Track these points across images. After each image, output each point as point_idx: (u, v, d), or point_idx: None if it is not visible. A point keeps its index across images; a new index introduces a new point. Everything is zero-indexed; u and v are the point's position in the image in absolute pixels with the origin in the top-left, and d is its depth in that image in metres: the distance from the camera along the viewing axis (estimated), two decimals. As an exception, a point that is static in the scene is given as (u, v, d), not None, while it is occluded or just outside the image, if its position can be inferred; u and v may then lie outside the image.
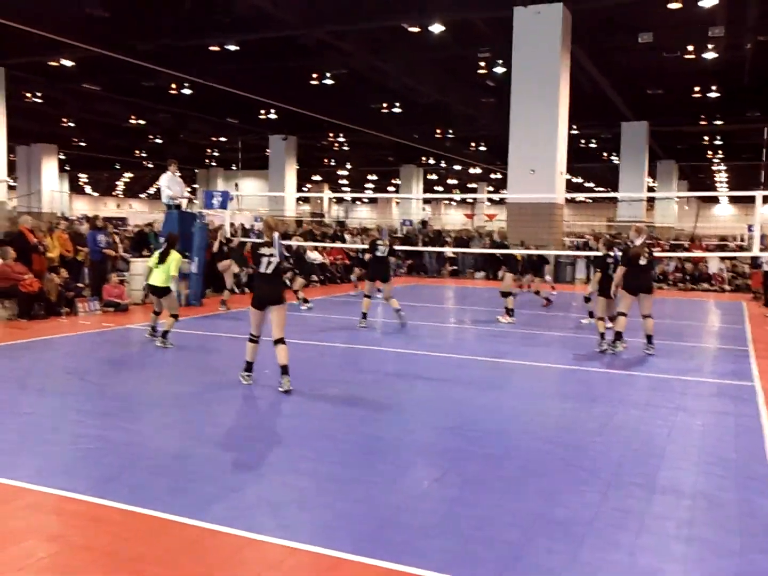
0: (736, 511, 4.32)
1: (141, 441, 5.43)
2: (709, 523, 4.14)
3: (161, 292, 9.53)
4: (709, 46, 19.81)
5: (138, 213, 47.97)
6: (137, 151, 45.08)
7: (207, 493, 4.38)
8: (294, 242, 15.08)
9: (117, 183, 63.77)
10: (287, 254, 8.77)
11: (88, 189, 63.83)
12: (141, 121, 33.70)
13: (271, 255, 7.06)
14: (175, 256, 9.56)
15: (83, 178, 60.41)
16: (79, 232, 14.55)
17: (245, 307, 11.74)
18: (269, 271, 7.10)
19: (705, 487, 4.72)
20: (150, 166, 49.61)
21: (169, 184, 14.16)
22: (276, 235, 7.19)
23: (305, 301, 13.97)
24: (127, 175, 59.29)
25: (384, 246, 11.67)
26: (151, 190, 61.18)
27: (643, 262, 9.45)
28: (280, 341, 7.11)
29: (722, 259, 22.26)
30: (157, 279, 9.43)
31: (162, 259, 9.45)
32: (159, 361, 8.81)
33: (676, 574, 3.52)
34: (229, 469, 4.84)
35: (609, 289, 9.63)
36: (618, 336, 9.61)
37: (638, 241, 9.60)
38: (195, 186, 48.79)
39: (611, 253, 9.75)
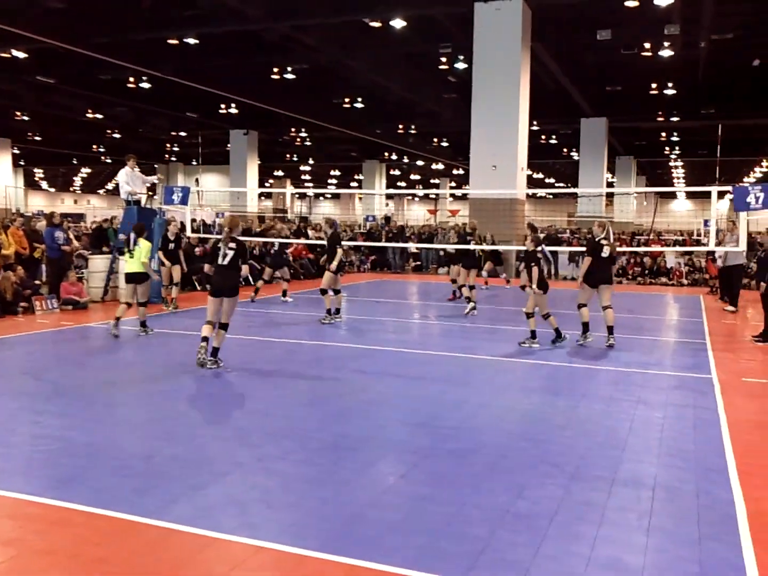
0: (694, 501, 4.41)
1: (103, 441, 5.34)
2: (669, 514, 4.23)
3: (139, 278, 9.85)
4: (666, 44, 20.19)
5: (96, 209, 47.07)
6: (95, 146, 44.27)
7: (172, 493, 4.33)
8: (274, 239, 15.12)
9: (74, 178, 62.52)
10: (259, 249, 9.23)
11: (44, 184, 62.44)
12: (98, 115, 33.11)
13: (229, 248, 7.83)
14: (144, 244, 9.87)
15: (39, 173, 59.09)
16: (35, 229, 14.22)
17: (206, 304, 11.65)
18: (225, 263, 7.85)
19: (665, 478, 4.81)
20: (108, 161, 48.78)
21: (128, 179, 13.93)
22: (233, 232, 8.02)
23: (284, 294, 14.19)
24: (85, 170, 58.19)
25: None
26: (110, 186, 60.18)
27: (605, 254, 9.67)
28: (223, 326, 7.92)
29: (680, 253, 22.72)
30: (132, 267, 9.82)
31: (131, 250, 9.85)
32: (121, 360, 8.68)
33: (636, 564, 3.59)
34: (195, 469, 4.78)
35: (544, 284, 9.62)
36: (586, 327, 9.91)
37: (601, 236, 9.77)
38: (154, 181, 48.04)
39: (539, 249, 9.67)
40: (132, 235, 10.00)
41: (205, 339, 7.86)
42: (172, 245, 12.77)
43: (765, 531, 4.01)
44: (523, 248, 10.60)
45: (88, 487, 4.42)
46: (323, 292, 11.66)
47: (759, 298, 11.09)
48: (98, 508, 4.08)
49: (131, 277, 9.90)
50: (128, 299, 10.00)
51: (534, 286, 9.50)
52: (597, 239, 9.82)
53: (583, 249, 10.87)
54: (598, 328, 10.19)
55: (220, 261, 7.89)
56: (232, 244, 7.90)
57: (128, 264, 9.89)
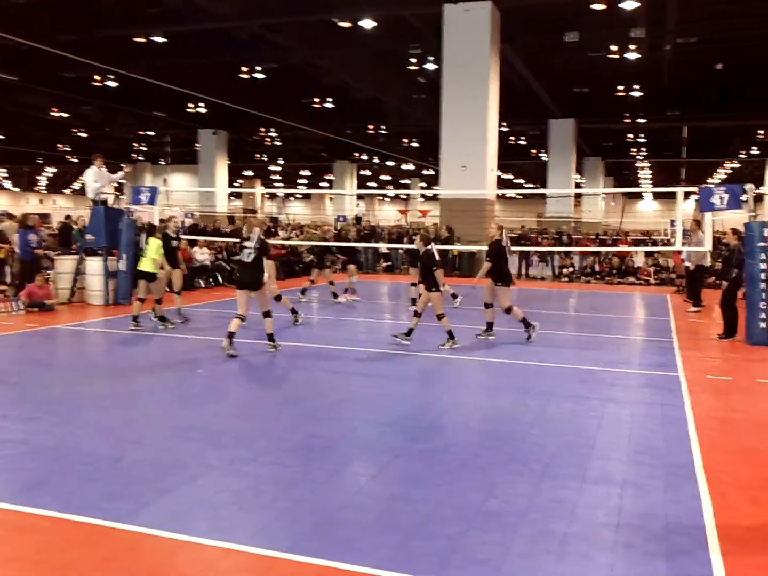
0: (662, 497, 4.48)
1: (71, 445, 5.25)
2: (637, 511, 4.29)
3: (149, 276, 10.47)
4: (632, 47, 20.48)
5: (63, 209, 46.31)
6: (60, 145, 43.54)
7: (142, 497, 4.28)
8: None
9: (39, 178, 61.43)
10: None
11: (7, 184, 61.26)
12: (64, 114, 32.57)
13: (251, 247, 8.70)
14: (152, 242, 10.46)
15: (2, 172, 57.95)
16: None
17: (174, 305, 11.52)
18: (249, 260, 8.73)
19: (633, 476, 4.88)
20: (74, 160, 48.00)
21: (96, 178, 13.75)
22: (256, 230, 8.80)
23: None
24: (50, 169, 57.19)
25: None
26: (76, 186, 59.26)
27: (508, 255, 10.18)
28: (266, 314, 8.93)
29: (647, 253, 23.05)
30: (145, 266, 10.48)
31: (142, 249, 10.74)
32: (88, 363, 8.55)
33: (605, 561, 3.63)
34: (166, 472, 4.73)
35: (436, 284, 9.51)
36: (489, 326, 10.16)
37: (497, 237, 10.13)
38: (122, 181, 47.44)
39: (428, 248, 9.58)
40: (143, 235, 10.83)
41: (231, 334, 8.56)
42: (175, 242, 11.53)
43: (730, 525, 4.08)
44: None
45: (55, 492, 4.34)
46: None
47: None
48: (65, 513, 4.02)
49: (142, 275, 10.60)
50: (141, 295, 10.58)
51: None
52: (500, 241, 10.12)
53: (551, 249, 11.04)
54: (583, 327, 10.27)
55: (244, 258, 8.79)
56: (256, 244, 8.71)
57: (141, 262, 10.68)
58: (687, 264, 15.12)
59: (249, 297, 8.82)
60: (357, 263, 19.21)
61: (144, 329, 10.39)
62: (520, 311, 10.12)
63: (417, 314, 9.63)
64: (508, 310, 10.00)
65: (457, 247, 19.32)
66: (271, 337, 8.95)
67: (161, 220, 13.95)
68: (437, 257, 9.53)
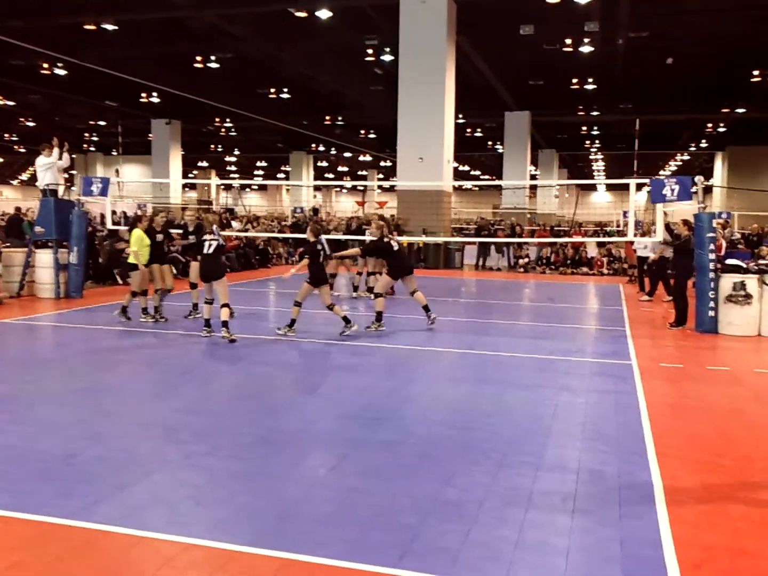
0: (616, 483, 4.58)
1: (23, 443, 5.13)
2: (591, 496, 4.37)
3: (131, 267, 10.42)
4: (585, 40, 20.77)
5: (11, 200, 45.05)
6: (7, 135, 42.31)
7: (97, 494, 4.20)
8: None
9: (-16, 168, 59.59)
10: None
11: (-48, 175, 59.38)
12: (10, 102, 31.62)
13: (212, 240, 9.25)
14: (134, 234, 10.30)
15: (-55, 162, 56.13)
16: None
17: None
18: (210, 251, 9.24)
19: (588, 462, 4.97)
20: (22, 150, 46.73)
21: (44, 168, 13.39)
22: (215, 226, 9.45)
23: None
24: (-3, 159, 55.56)
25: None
26: (24, 176, 57.72)
27: (396, 247, 10.61)
28: (225, 305, 9.26)
29: (599, 244, 23.45)
30: (130, 258, 10.45)
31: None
32: (39, 358, 8.35)
33: (561, 546, 3.70)
34: (120, 468, 4.65)
35: (317, 278, 9.54)
36: (379, 316, 10.20)
37: (380, 235, 10.51)
38: (73, 172, 46.39)
39: (320, 240, 9.63)
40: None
41: (207, 323, 9.37)
42: (160, 236, 10.88)
43: (680, 507, 4.20)
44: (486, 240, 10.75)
45: (6, 491, 4.24)
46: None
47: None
48: (17, 512, 3.92)
49: (129, 267, 10.59)
50: (134, 288, 10.50)
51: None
52: (384, 239, 10.47)
53: (506, 240, 11.21)
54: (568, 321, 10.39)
55: (205, 250, 9.25)
56: (214, 236, 9.29)
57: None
58: (648, 254, 15.34)
59: (211, 287, 9.32)
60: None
61: (129, 324, 10.18)
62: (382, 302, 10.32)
63: (297, 304, 9.57)
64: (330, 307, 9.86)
65: (413, 239, 19.38)
66: (225, 324, 9.08)
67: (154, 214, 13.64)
68: (327, 250, 9.76)
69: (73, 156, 47.25)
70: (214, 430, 5.50)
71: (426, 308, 10.50)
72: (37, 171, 13.54)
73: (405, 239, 19.37)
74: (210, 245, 9.25)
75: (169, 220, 12.94)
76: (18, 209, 20.05)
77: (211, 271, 9.34)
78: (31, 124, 37.78)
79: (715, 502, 4.32)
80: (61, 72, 25.15)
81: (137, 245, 10.25)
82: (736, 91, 26.89)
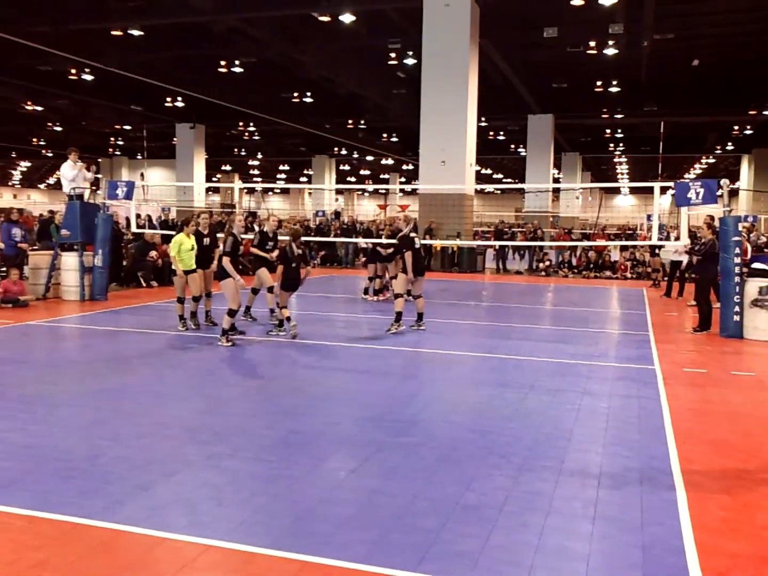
0: (638, 489, 4.53)
1: (46, 443, 5.19)
2: (613, 502, 4.33)
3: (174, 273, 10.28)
4: (610, 43, 20.63)
5: (38, 204, 45.77)
6: (35, 139, 42.97)
7: (119, 494, 4.24)
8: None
9: (13, 172, 60.60)
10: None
11: (-20, 179, 60.45)
12: (38, 108, 32.11)
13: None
14: (174, 238, 9.93)
15: (-25, 167, 57.18)
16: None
17: (156, 301, 11.42)
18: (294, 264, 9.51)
19: (610, 467, 4.93)
20: (49, 155, 47.44)
21: (71, 173, 13.58)
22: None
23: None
24: (25, 164, 56.46)
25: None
26: (51, 180, 58.56)
27: (418, 245, 10.45)
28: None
29: (624, 247, 23.26)
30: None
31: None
32: (63, 359, 8.46)
33: (582, 552, 3.66)
34: (142, 469, 4.69)
35: (289, 282, 9.65)
36: (399, 316, 10.22)
37: (408, 230, 10.35)
38: (98, 176, 47.01)
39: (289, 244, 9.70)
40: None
41: (288, 318, 9.47)
42: (206, 240, 10.35)
43: (704, 514, 4.14)
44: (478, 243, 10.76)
45: (30, 490, 4.29)
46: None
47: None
48: (40, 511, 3.97)
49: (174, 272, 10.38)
50: (179, 294, 10.20)
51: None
52: (408, 234, 10.32)
53: (527, 243, 11.15)
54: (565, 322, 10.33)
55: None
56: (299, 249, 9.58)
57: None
58: (679, 259, 15.18)
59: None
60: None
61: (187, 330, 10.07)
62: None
63: (284, 307, 9.79)
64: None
65: (448, 242, 19.41)
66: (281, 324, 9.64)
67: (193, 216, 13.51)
68: (294, 253, 9.62)
69: (99, 160, 47.96)
70: (235, 432, 5.53)
71: (420, 316, 10.48)
72: (62, 178, 13.73)
73: (438, 242, 19.46)
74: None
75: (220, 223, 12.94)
76: (51, 212, 20.30)
77: (298, 281, 9.64)
78: (58, 129, 38.33)
79: (740, 510, 4.26)
80: (88, 77, 25.51)
81: (175, 250, 9.84)
82: (763, 93, 26.52)
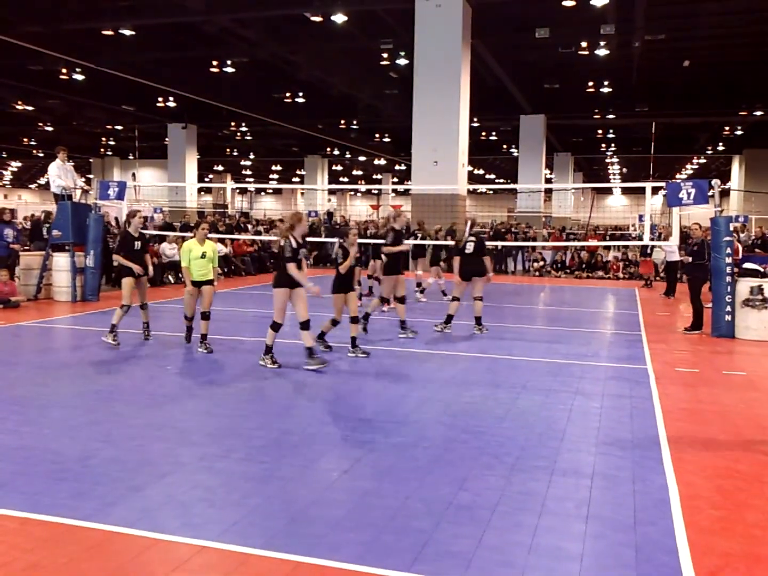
0: (630, 488, 4.54)
1: (38, 445, 5.17)
2: (606, 502, 4.34)
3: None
4: (601, 43, 20.68)
5: (29, 204, 45.53)
6: (26, 139, 42.75)
7: (111, 495, 4.23)
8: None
9: (3, 172, 60.31)
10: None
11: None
12: (29, 107, 31.94)
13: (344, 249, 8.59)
14: (184, 246, 8.91)
15: (-35, 167, 56.88)
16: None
17: (148, 301, 11.36)
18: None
19: (603, 467, 4.94)
20: (40, 155, 47.21)
21: (59, 173, 13.53)
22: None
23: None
24: (15, 164, 56.19)
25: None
26: (42, 180, 58.30)
27: (469, 250, 10.33)
28: (354, 320, 8.59)
29: (616, 247, 23.33)
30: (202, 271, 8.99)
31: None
32: (55, 361, 8.41)
33: (575, 551, 3.67)
34: (135, 470, 4.68)
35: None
36: (449, 318, 10.35)
37: (467, 233, 10.48)
38: (90, 176, 46.84)
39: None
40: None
41: (354, 339, 8.54)
42: (137, 243, 9.27)
43: (696, 513, 4.16)
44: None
45: (22, 492, 4.27)
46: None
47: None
48: (32, 513, 3.96)
49: (201, 285, 8.85)
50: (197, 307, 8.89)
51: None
52: (463, 237, 10.49)
53: (518, 244, 11.19)
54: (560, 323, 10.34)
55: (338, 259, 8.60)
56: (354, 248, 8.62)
57: (198, 269, 8.78)
58: (677, 259, 15.23)
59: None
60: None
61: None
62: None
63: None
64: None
65: (427, 242, 19.37)
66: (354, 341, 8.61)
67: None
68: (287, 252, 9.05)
69: (90, 160, 47.73)
70: (227, 433, 5.52)
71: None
72: (52, 175, 13.68)
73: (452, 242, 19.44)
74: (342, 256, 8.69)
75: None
76: (47, 213, 20.18)
77: (352, 283, 8.93)
78: (49, 129, 38.15)
79: (731, 509, 4.28)
80: (79, 77, 25.39)
81: (186, 261, 8.71)
82: (754, 93, 26.66)
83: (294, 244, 7.72)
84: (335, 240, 15.04)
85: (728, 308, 10.54)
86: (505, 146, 42.04)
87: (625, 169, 53.64)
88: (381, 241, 12.01)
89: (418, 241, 14.77)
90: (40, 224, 17.51)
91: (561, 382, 7.50)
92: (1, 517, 3.91)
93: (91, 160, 49.24)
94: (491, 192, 60.04)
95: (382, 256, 10.23)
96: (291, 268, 7.64)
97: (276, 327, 7.86)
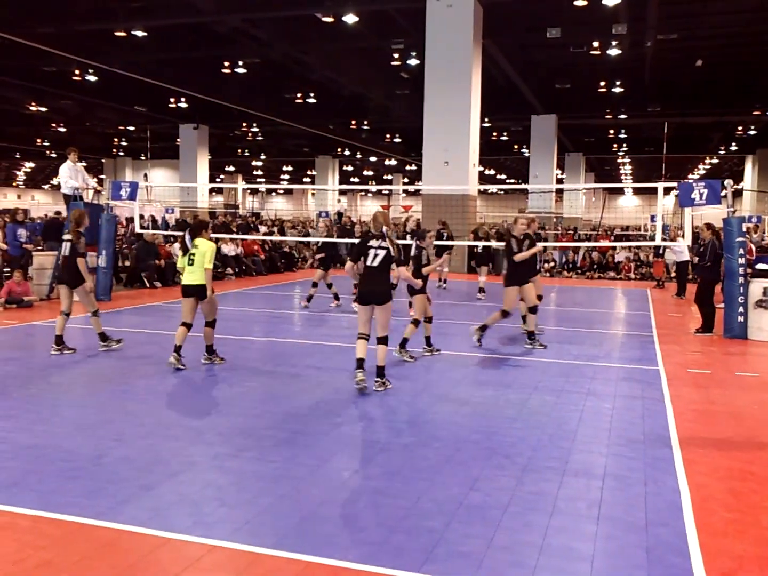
0: (642, 489, 4.52)
1: (50, 443, 5.20)
2: (617, 502, 4.32)
3: (201, 291, 7.83)
4: (613, 43, 20.60)
5: (42, 205, 45.84)
6: (39, 140, 43.03)
7: (123, 494, 4.25)
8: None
9: (17, 173, 60.73)
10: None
11: (-15, 179, 60.59)
12: (42, 108, 32.17)
13: (379, 248, 6.90)
14: (205, 246, 7.82)
15: (-21, 167, 57.31)
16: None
17: (160, 301, 11.43)
18: (375, 264, 6.92)
19: (614, 468, 4.92)
20: (53, 155, 47.52)
21: (71, 174, 13.60)
22: (385, 229, 6.96)
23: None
24: (29, 164, 56.58)
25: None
26: (55, 181, 58.60)
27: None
28: (383, 340, 6.96)
29: (628, 248, 23.22)
30: (192, 276, 7.80)
31: (192, 254, 7.76)
32: (69, 360, 8.46)
33: (586, 552, 3.66)
34: (147, 469, 4.70)
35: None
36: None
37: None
38: (102, 176, 47.09)
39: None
40: (186, 235, 7.82)
41: (361, 361, 6.89)
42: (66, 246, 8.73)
43: (708, 515, 4.13)
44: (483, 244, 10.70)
45: (35, 490, 4.30)
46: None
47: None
48: (45, 511, 3.98)
49: (189, 290, 7.78)
50: (187, 319, 7.78)
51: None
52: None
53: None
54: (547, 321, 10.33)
55: (369, 262, 6.94)
56: (384, 243, 6.91)
57: (187, 273, 7.79)
58: (669, 257, 15.18)
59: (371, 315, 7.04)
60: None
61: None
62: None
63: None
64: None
65: (488, 244, 19.40)
66: (380, 371, 7.02)
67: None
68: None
69: (103, 161, 47.98)
70: (239, 432, 5.54)
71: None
72: (63, 176, 13.75)
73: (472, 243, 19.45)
74: (376, 255, 6.97)
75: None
76: (58, 213, 20.33)
77: (375, 291, 6.99)
78: (62, 129, 38.40)
79: (745, 511, 4.25)
80: (92, 78, 25.56)
81: (210, 259, 7.77)
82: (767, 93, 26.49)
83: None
84: (347, 241, 15.07)
85: (741, 309, 10.47)
86: (516, 146, 41.93)
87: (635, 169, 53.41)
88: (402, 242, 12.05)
89: (444, 242, 14.76)
90: (53, 224, 17.60)
91: (572, 383, 7.48)
92: (14, 515, 3.94)
93: (103, 160, 49.49)
94: (502, 192, 59.93)
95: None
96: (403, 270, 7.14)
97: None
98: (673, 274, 20.73)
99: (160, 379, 7.36)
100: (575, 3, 17.09)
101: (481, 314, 11.06)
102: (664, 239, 14.89)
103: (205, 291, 7.73)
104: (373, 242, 6.95)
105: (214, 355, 8.08)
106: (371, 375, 7.01)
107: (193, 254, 7.74)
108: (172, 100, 30.15)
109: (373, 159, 48.94)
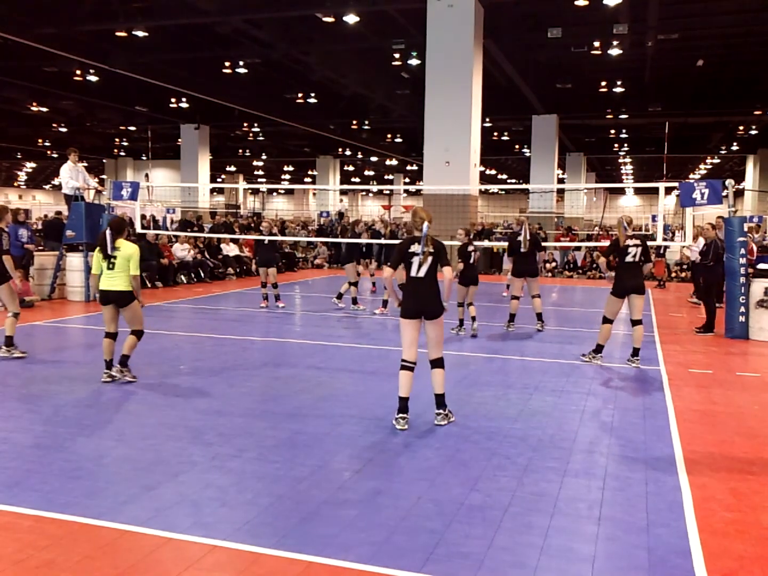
0: (643, 489, 4.52)
1: (51, 443, 5.21)
2: (618, 503, 4.32)
3: (122, 298, 7.14)
4: (614, 43, 20.59)
5: (43, 205, 45.87)
6: (40, 140, 43.04)
7: (124, 494, 4.25)
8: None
9: (18, 173, 60.76)
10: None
11: (-14, 179, 60.62)
12: (43, 109, 32.17)
13: (424, 254, 5.67)
14: (128, 248, 7.14)
15: (-21, 167, 57.34)
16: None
17: (160, 301, 11.43)
18: (422, 274, 5.73)
19: (615, 468, 4.92)
20: (55, 156, 47.54)
21: (71, 174, 13.62)
22: (426, 225, 5.67)
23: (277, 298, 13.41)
24: (30, 165, 56.61)
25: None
26: (56, 181, 58.65)
27: (524, 250, 10.78)
28: (437, 363, 5.84)
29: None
30: (112, 281, 7.11)
31: (112, 256, 7.04)
32: (71, 360, 8.47)
33: (587, 553, 3.66)
34: (147, 469, 4.71)
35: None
36: (511, 318, 10.92)
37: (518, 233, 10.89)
38: (103, 176, 47.11)
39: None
40: (108, 234, 7.04)
41: (405, 401, 5.72)
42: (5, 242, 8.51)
43: (710, 516, 4.13)
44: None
45: (36, 490, 4.31)
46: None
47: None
48: (46, 511, 3.99)
49: (110, 296, 7.11)
50: (109, 329, 7.23)
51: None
52: (515, 236, 10.98)
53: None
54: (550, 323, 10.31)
55: (414, 273, 5.77)
56: (427, 247, 5.68)
57: (105, 277, 7.08)
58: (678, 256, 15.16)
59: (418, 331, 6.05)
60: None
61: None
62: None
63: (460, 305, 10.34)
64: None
65: (493, 244, 19.48)
66: (440, 400, 6.01)
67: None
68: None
69: (104, 161, 48.02)
70: (239, 432, 5.54)
71: (539, 316, 10.99)
72: (64, 177, 13.76)
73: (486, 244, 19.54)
74: (421, 264, 5.82)
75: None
76: (59, 213, 20.35)
77: (425, 304, 5.86)
78: (63, 130, 38.41)
79: (746, 511, 4.25)
80: (93, 78, 25.56)
81: (136, 264, 7.14)
82: (769, 93, 26.47)
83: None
84: (347, 240, 15.06)
85: (742, 309, 10.46)
86: (517, 146, 41.91)
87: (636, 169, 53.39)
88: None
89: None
90: (54, 224, 17.62)
91: (573, 383, 7.48)
92: (16, 515, 3.95)
93: (104, 160, 49.48)
94: (503, 192, 59.93)
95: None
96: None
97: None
98: (673, 274, 20.75)
99: (160, 379, 7.36)
100: (576, 3, 17.08)
101: (481, 314, 11.05)
102: (665, 239, 14.86)
103: (126, 298, 7.05)
104: (415, 247, 5.67)
105: (126, 369, 7.19)
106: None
107: (114, 257, 7.01)
108: (173, 100, 30.15)
109: (374, 159, 48.91)
